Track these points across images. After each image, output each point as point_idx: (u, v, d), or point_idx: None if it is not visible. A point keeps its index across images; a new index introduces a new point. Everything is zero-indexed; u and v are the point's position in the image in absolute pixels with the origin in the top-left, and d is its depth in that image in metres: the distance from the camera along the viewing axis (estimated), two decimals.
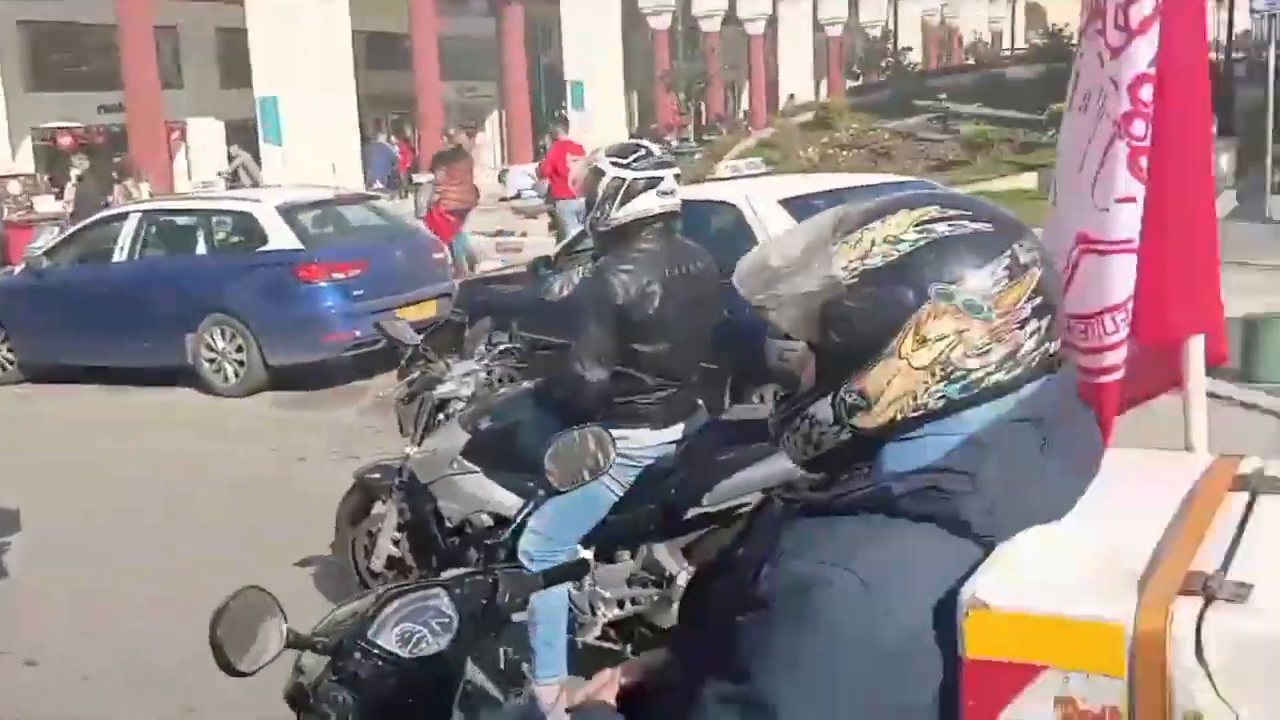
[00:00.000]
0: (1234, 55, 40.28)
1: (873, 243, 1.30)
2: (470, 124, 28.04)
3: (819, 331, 1.32)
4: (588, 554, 3.85)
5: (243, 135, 29.64)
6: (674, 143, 24.33)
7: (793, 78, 47.41)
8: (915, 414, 1.29)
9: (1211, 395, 6.03)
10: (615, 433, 3.66)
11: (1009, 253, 1.28)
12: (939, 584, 1.19)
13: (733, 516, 3.62)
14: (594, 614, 3.92)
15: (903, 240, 1.29)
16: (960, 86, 30.38)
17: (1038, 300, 1.29)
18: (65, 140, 27.35)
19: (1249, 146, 16.01)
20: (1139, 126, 1.58)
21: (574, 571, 2.62)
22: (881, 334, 1.28)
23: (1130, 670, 1.11)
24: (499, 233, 18.21)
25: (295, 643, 1.81)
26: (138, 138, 25.19)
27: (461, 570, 2.07)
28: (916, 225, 1.29)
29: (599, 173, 3.68)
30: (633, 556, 3.89)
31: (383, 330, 4.74)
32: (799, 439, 1.38)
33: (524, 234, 17.82)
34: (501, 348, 4.67)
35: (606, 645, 3.91)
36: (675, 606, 3.51)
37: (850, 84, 43.09)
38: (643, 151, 3.78)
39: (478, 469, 4.13)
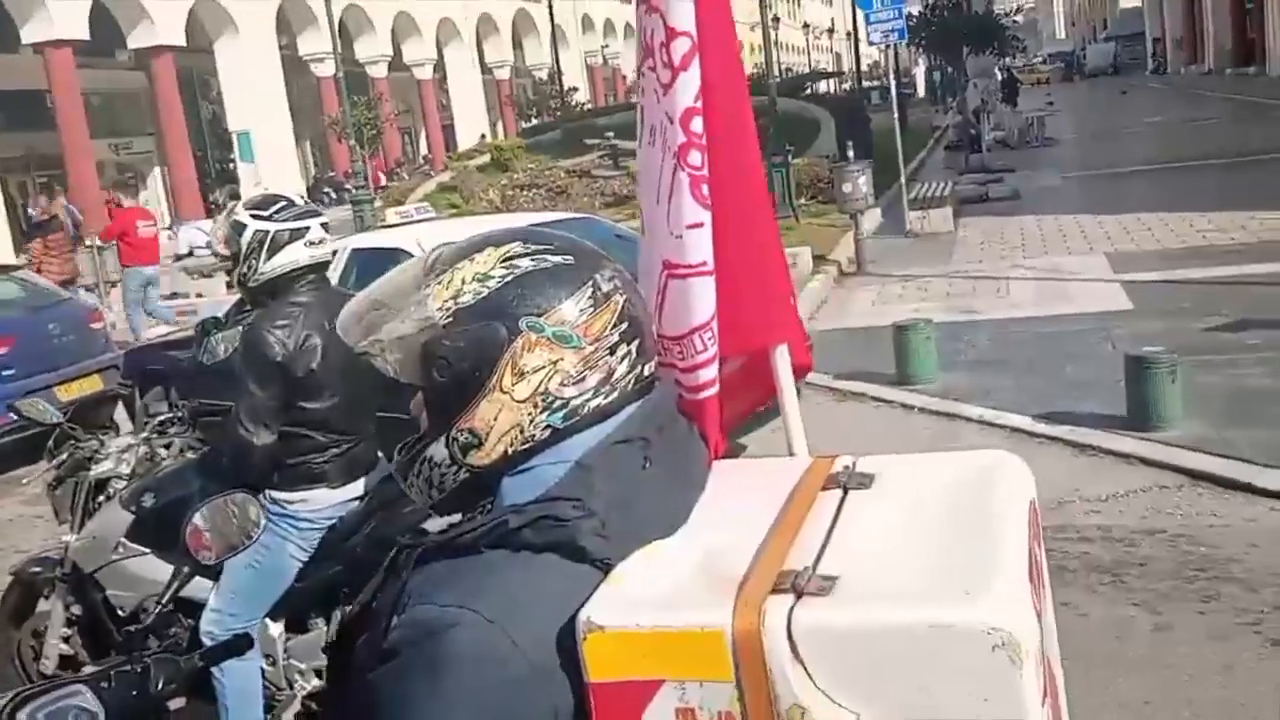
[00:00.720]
0: (865, 84, 43.63)
1: (463, 281, 1.32)
2: (129, 178, 26.57)
3: (422, 373, 1.33)
4: (277, 627, 3.72)
5: None
6: (353, 190, 23.91)
7: (465, 120, 47.78)
8: (525, 446, 1.32)
9: (876, 399, 6.51)
10: (292, 495, 3.57)
11: (591, 282, 1.33)
12: (563, 613, 1.21)
13: None
14: (292, 689, 3.75)
15: (490, 277, 1.32)
16: (627, 123, 31.30)
17: (624, 325, 1.34)
18: None
19: (884, 166, 17.09)
20: (695, 156, 1.67)
21: (235, 647, 2.47)
22: (480, 370, 1.30)
23: (736, 673, 1.15)
24: (173, 295, 17.36)
25: None
26: None
27: (106, 662, 1.95)
28: (502, 261, 1.33)
29: (240, 227, 3.55)
30: (327, 623, 3.72)
31: (19, 411, 4.39)
32: (422, 483, 1.38)
33: (199, 294, 17.02)
34: (161, 418, 4.41)
35: None
36: None
37: (523, 125, 43.77)
38: (284, 203, 3.64)
39: (146, 550, 3.89)
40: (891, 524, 1.32)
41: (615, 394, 1.34)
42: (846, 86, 54.31)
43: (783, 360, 1.82)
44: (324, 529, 3.64)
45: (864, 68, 39.73)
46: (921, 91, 55.42)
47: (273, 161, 34.77)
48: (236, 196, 29.93)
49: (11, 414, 8.27)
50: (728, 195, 1.73)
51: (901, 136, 17.04)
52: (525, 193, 24.04)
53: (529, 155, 29.47)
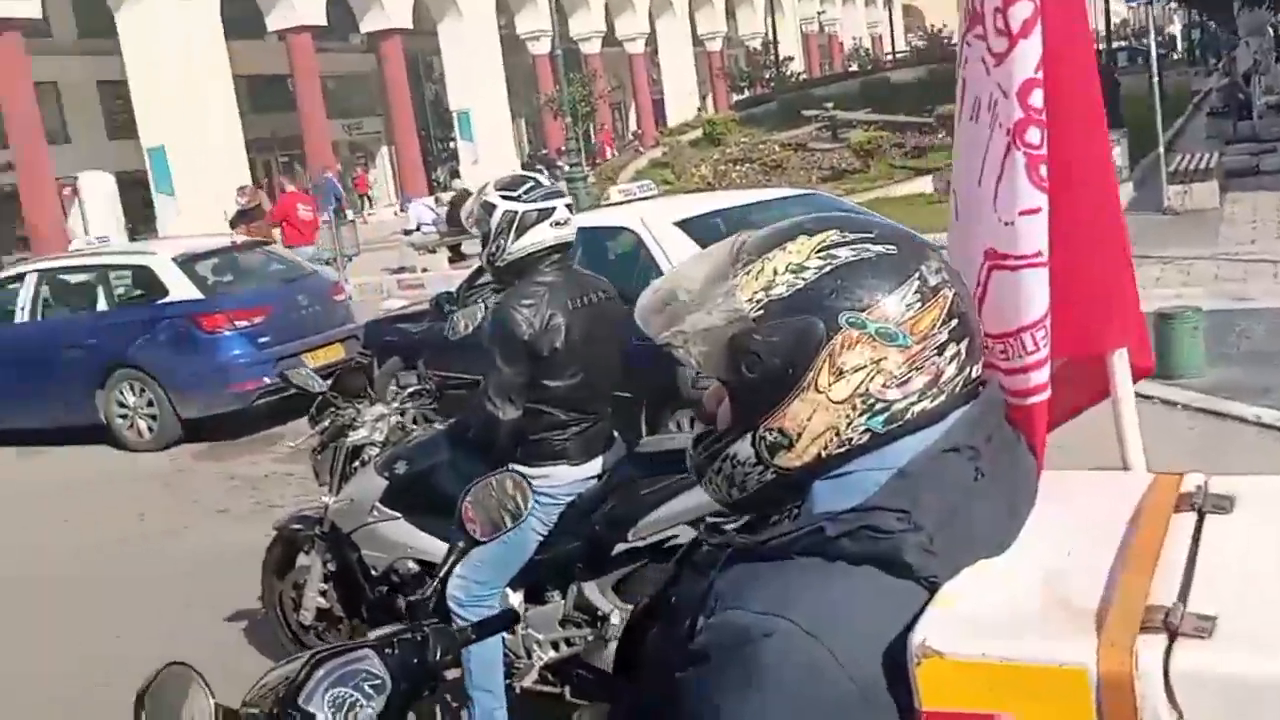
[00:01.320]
0: (1114, 44, 40.74)
1: (775, 272, 1.23)
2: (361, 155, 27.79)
3: (729, 367, 1.25)
4: (517, 596, 3.86)
5: (134, 187, 29.24)
6: (566, 167, 24.40)
7: (675, 94, 47.80)
8: (840, 450, 1.22)
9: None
10: (534, 471, 3.70)
11: (917, 274, 1.22)
12: (885, 630, 1.13)
13: (661, 550, 3.59)
14: (529, 658, 3.85)
15: (806, 268, 1.22)
16: (845, 93, 30.77)
17: (953, 323, 1.23)
18: None
19: (1137, 136, 16.13)
20: (1034, 134, 1.49)
21: (504, 622, 2.59)
22: (794, 368, 1.21)
23: (1099, 716, 1.06)
24: (400, 269, 18.10)
25: (225, 718, 1.71)
26: (30, 195, 24.66)
27: (390, 629, 2.05)
28: (818, 251, 1.23)
29: (490, 207, 3.64)
30: (563, 596, 3.82)
31: (288, 380, 4.70)
32: (722, 480, 1.30)
33: (424, 269, 17.69)
34: (411, 389, 4.65)
35: (544, 689, 3.85)
36: (611, 647, 3.50)
37: (735, 97, 43.49)
38: (532, 183, 3.73)
39: (398, 515, 4.10)
40: (1263, 555, 1.18)
41: (943, 398, 1.23)
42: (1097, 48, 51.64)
43: (1121, 364, 1.65)
44: (563, 505, 3.72)
45: (1111, 26, 37.24)
46: (1179, 51, 52.17)
47: (490, 140, 35.76)
48: (456, 175, 31.04)
49: (266, 379, 9.11)
50: (1069, 178, 1.55)
51: (1161, 104, 15.69)
52: (738, 167, 23.91)
53: (742, 129, 29.26)
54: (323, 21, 30.06)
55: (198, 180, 25.19)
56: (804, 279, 1.22)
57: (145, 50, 26.20)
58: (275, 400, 9.42)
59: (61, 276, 10.78)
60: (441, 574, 3.69)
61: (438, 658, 1.90)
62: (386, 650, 1.84)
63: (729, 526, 1.36)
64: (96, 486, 8.88)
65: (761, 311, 1.22)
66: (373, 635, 2.00)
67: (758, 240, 1.28)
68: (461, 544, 3.64)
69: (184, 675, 1.70)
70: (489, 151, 34.29)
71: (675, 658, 1.21)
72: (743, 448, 1.27)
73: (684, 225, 7.04)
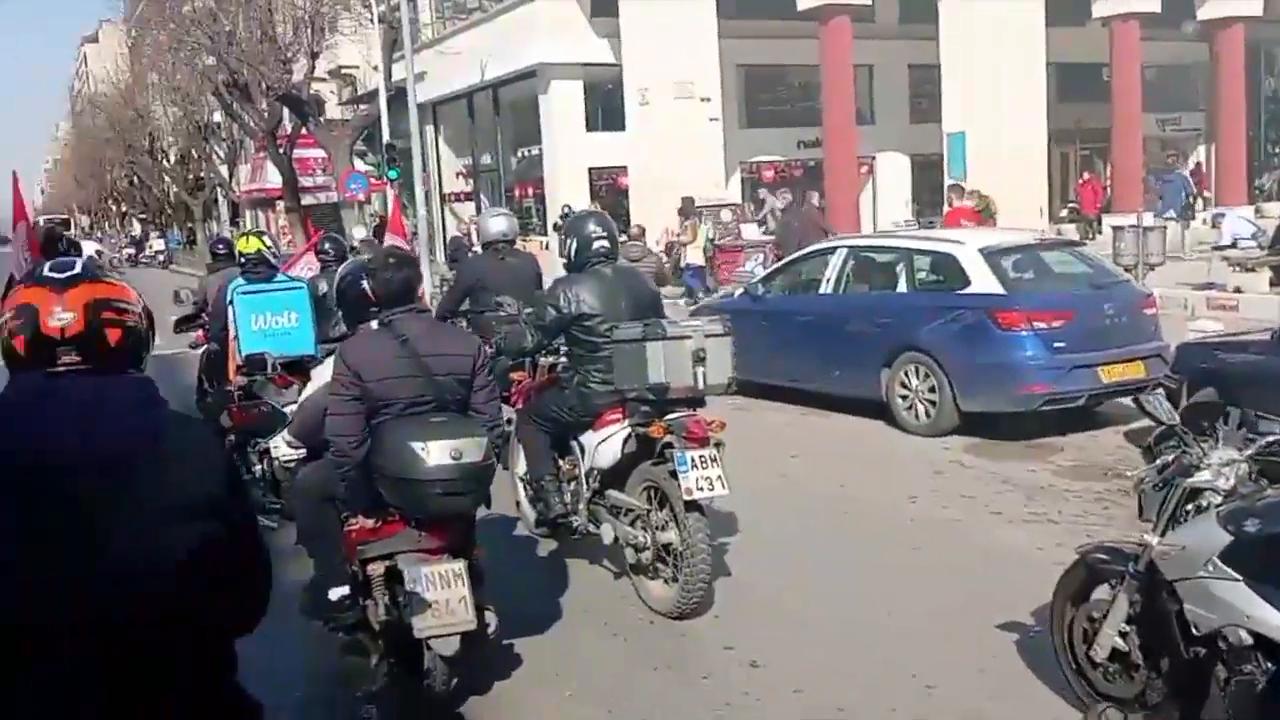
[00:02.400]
0: None
1: None
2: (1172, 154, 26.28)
3: None
4: None
5: (926, 170, 30.26)
6: None
7: None
8: None
9: None
10: None
11: None
12: None
13: None
14: None
15: None
16: None
17: None
18: (767, 173, 29.53)
19: None
20: None
21: None
22: None
23: None
24: (1209, 285, 16.62)
25: None
26: (832, 172, 26.48)
27: None
28: None
29: None
30: None
31: (1141, 405, 4.36)
32: None
33: (1238, 289, 16.05)
34: (1273, 439, 4.11)
35: None
36: None
37: None
38: None
39: (1239, 577, 3.64)
40: None
41: None
42: None
43: None
44: None
45: None
46: None
47: None
48: None
49: (1054, 385, 8.88)
50: None
51: None
52: None
53: None
54: (1156, 8, 28.63)
55: (990, 167, 25.32)
56: None
57: (961, 35, 26.79)
58: (1059, 409, 9.21)
59: (867, 254, 11.25)
60: None
61: None
62: None
63: None
64: (868, 460, 9.24)
65: None
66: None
67: None
68: None
69: None
70: None
71: None
72: None
73: None
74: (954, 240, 10.53)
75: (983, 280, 9.55)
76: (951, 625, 5.52)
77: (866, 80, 30.97)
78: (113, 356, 2.35)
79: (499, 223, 8.84)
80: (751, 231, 24.44)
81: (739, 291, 12.22)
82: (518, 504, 6.98)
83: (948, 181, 26.20)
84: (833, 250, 11.36)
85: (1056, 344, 9.16)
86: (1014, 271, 9.92)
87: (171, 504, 2.25)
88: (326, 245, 9.53)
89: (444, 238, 29.71)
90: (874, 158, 31.13)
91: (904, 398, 9.90)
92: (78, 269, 2.40)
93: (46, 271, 2.40)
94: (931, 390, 9.64)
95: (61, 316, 2.30)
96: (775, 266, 12.79)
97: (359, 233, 22.53)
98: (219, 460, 2.43)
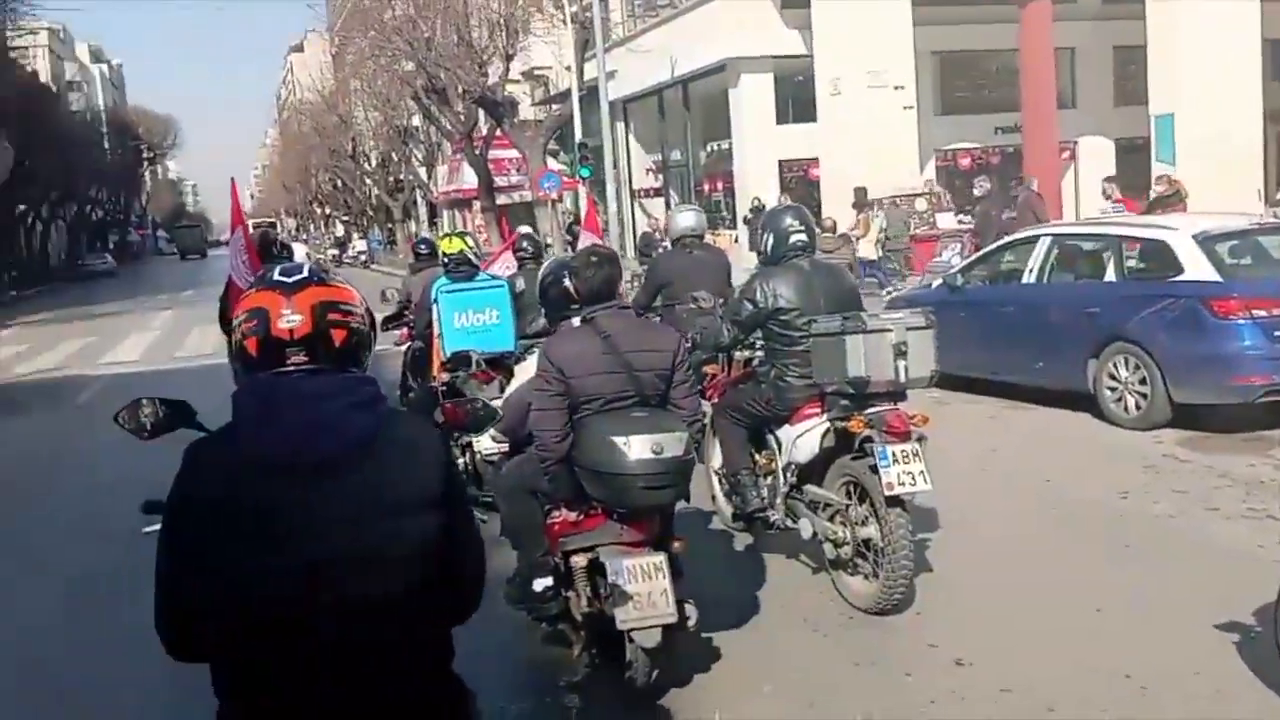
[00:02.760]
0: None
1: None
2: None
3: None
4: None
5: (1131, 154, 29.06)
6: None
7: None
8: None
9: None
10: None
11: None
12: None
13: None
14: None
15: None
16: None
17: None
18: (964, 161, 28.85)
19: None
20: None
21: None
22: None
23: None
24: None
25: None
26: (1032, 157, 25.67)
27: None
28: None
29: None
30: None
31: None
32: None
33: None
34: None
35: None
36: None
37: None
38: None
39: None
40: None
41: None
42: None
43: None
44: None
45: None
46: None
47: None
48: None
49: (1275, 376, 8.43)
50: None
51: None
52: None
53: None
54: None
55: (1199, 150, 24.14)
56: None
57: (1169, 13, 25.61)
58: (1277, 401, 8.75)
59: (1073, 242, 10.91)
60: None
61: None
62: None
63: None
64: (1075, 454, 8.95)
65: None
66: None
67: None
68: None
69: None
70: None
71: None
72: None
73: None
74: (1166, 226, 10.10)
75: (1197, 267, 9.15)
76: (1166, 625, 5.32)
77: (1068, 63, 29.94)
78: (338, 357, 2.45)
79: (687, 218, 8.94)
80: (948, 221, 23.92)
81: (936, 283, 12.00)
82: (713, 498, 7.03)
83: (1154, 166, 25.16)
84: (1036, 239, 11.05)
85: (1277, 333, 8.70)
86: (1230, 258, 9.49)
87: (395, 500, 2.35)
88: (524, 243, 9.77)
89: (634, 234, 30.03)
90: (1075, 143, 30.07)
91: (1112, 389, 9.56)
92: (304, 273, 2.50)
93: (276, 276, 2.50)
94: (1142, 382, 9.29)
95: (291, 319, 2.41)
96: (974, 256, 12.53)
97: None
98: (440, 457, 2.51)
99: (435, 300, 8.20)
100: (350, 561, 2.29)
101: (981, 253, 12.45)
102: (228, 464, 2.32)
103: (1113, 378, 9.55)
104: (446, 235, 9.95)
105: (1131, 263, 9.99)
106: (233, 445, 2.34)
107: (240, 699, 2.34)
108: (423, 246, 11.53)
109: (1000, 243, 12.01)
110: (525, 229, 11.34)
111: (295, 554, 2.27)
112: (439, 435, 2.63)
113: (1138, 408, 9.36)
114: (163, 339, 24.95)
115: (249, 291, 2.54)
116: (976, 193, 19.48)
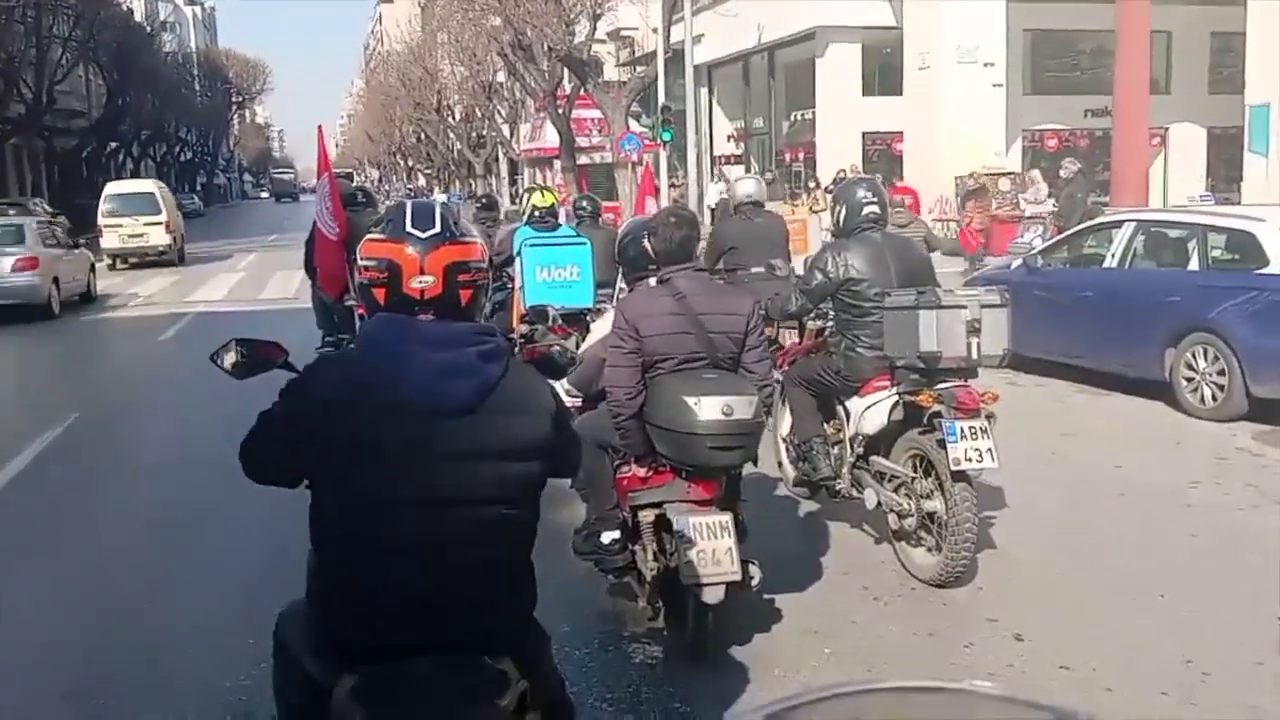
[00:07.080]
0: None
1: None
2: None
3: None
4: None
5: (1224, 144, 28.42)
6: None
7: None
8: None
9: None
10: None
11: None
12: None
13: None
14: None
15: None
16: None
17: None
18: (1050, 142, 28.39)
19: None
20: None
21: None
22: None
23: None
24: None
25: None
26: (1121, 142, 25.19)
27: None
28: None
29: None
30: None
31: None
32: None
33: None
34: None
35: None
36: None
37: None
38: None
39: None
40: None
41: None
42: None
43: None
44: None
45: None
46: None
47: None
48: None
49: None
50: None
51: None
52: None
53: None
54: None
55: None
56: None
57: (1270, 1, 24.96)
58: None
59: (1157, 230, 10.76)
60: None
61: None
62: None
63: None
64: (1146, 441, 8.88)
65: None
66: None
67: None
68: None
69: None
70: None
71: None
72: None
73: None
74: (1254, 217, 9.91)
75: None
76: (1229, 615, 5.31)
77: (1164, 47, 29.27)
78: (463, 314, 2.56)
79: (747, 185, 9.27)
80: (1037, 197, 23.56)
81: (1016, 263, 11.90)
82: (779, 464, 7.10)
83: (1248, 157, 24.61)
84: (1119, 224, 10.91)
85: None
86: None
87: (506, 447, 2.48)
88: (584, 203, 10.06)
89: (700, 200, 29.99)
90: (1167, 129, 29.46)
91: (1189, 379, 9.46)
92: (438, 227, 2.55)
93: (409, 226, 2.54)
94: (1220, 373, 9.18)
95: (423, 279, 2.49)
96: (1056, 239, 12.40)
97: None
98: (549, 407, 2.64)
99: (518, 253, 8.33)
100: (455, 501, 2.42)
101: (1063, 234, 12.32)
102: (351, 398, 2.43)
103: (1190, 368, 9.45)
104: (539, 188, 10.14)
105: (1216, 252, 9.85)
106: (360, 377, 2.46)
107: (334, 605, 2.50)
108: (484, 199, 11.79)
109: (1083, 225, 11.87)
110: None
111: (407, 489, 2.40)
112: (549, 388, 2.74)
113: (1214, 399, 9.25)
114: (247, 280, 25.48)
115: (376, 234, 2.59)
116: (1063, 174, 19.16)
